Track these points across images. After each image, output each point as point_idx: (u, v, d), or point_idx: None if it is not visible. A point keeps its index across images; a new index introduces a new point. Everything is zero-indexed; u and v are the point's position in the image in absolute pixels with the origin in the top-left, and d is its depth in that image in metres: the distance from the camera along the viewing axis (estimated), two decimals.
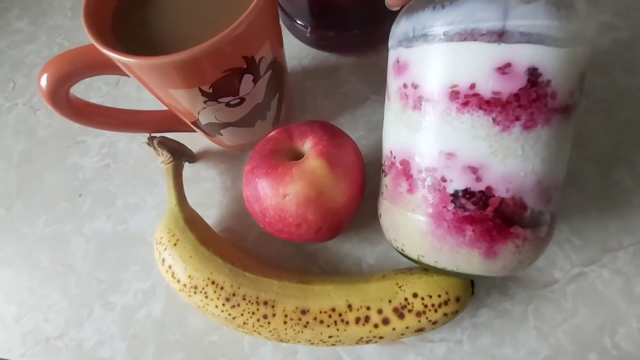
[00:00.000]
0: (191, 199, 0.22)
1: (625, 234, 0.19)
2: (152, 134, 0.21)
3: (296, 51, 0.27)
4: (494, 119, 0.12)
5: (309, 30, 0.25)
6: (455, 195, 0.13)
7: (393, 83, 0.15)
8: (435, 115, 0.13)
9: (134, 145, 0.25)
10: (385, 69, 0.25)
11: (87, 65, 0.15)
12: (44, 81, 0.15)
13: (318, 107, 0.25)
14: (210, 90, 0.15)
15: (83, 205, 0.24)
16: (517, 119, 0.12)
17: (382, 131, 0.17)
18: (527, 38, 0.12)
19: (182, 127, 0.22)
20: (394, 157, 0.15)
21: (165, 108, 0.22)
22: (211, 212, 0.22)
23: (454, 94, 0.13)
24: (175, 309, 0.20)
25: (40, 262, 0.22)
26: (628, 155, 0.21)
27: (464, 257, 0.14)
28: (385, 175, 0.16)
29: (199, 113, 0.17)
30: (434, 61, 0.13)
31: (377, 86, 0.25)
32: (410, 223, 0.14)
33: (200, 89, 0.15)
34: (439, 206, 0.13)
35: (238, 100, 0.17)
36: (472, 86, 0.12)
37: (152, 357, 0.19)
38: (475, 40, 0.12)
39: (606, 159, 0.21)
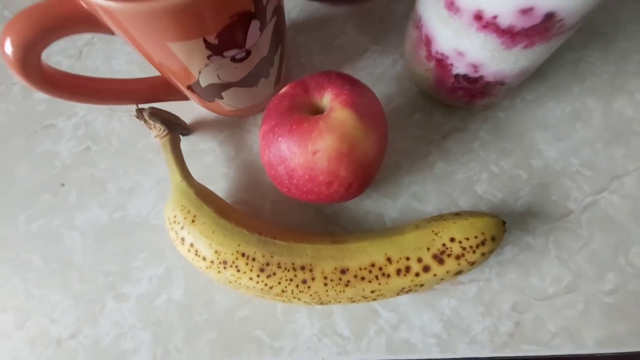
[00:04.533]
0: (193, 175, 0.20)
1: (629, 160, 0.20)
2: (140, 106, 0.19)
3: None
4: (502, 42, 0.14)
5: None
6: (456, 76, 0.17)
7: None
8: (460, 24, 0.15)
9: (115, 123, 0.23)
10: (381, 16, 0.24)
11: (62, 21, 0.13)
12: (8, 47, 0.13)
13: (315, 63, 0.23)
14: (216, 42, 0.13)
15: (69, 195, 0.21)
16: (521, 42, 0.14)
17: None
18: None
19: (174, 95, 0.19)
20: (422, 24, 0.17)
21: (154, 74, 0.19)
22: (217, 185, 0.21)
23: (478, 16, 0.14)
24: (197, 290, 0.19)
25: (31, 263, 0.20)
26: (626, 85, 0.21)
27: (453, 103, 0.20)
28: (414, 29, 0.18)
29: (200, 72, 0.15)
30: None
31: (375, 35, 0.23)
32: (423, 77, 0.19)
33: (204, 40, 0.13)
34: (442, 77, 0.18)
35: (244, 54, 0.15)
36: (495, 17, 0.13)
37: (182, 341, 0.18)
38: None
39: (606, 91, 0.21)
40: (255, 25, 0.14)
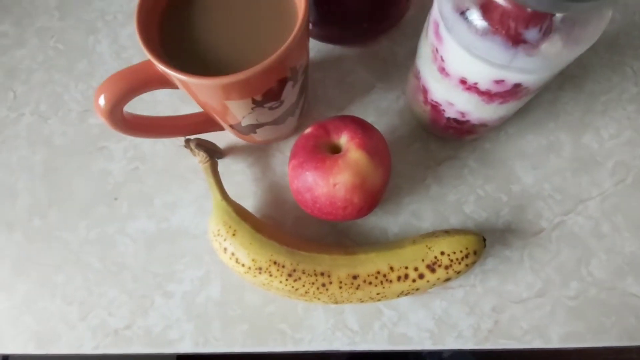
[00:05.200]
0: (227, 193, 0.24)
1: (593, 187, 0.24)
2: (187, 137, 0.23)
3: None
4: (482, 99, 0.18)
5: (310, 25, 0.26)
6: (448, 118, 0.21)
7: (432, 34, 0.18)
8: (449, 84, 0.18)
9: (159, 146, 0.27)
10: (385, 57, 0.28)
11: (144, 83, 0.17)
12: (102, 101, 0.17)
13: (329, 97, 0.27)
14: (260, 99, 0.17)
15: (121, 207, 0.25)
16: (497, 100, 0.18)
17: (419, 40, 0.21)
18: (520, 70, 0.15)
19: (215, 128, 0.23)
20: (420, 77, 0.21)
21: (195, 105, 0.23)
22: (247, 202, 0.25)
23: (463, 81, 0.17)
24: (231, 290, 0.23)
25: (91, 265, 0.24)
26: (593, 123, 0.25)
27: (445, 137, 0.24)
28: (414, 78, 0.22)
29: (243, 117, 0.19)
30: (456, 59, 0.17)
31: (380, 74, 0.27)
32: (421, 116, 0.24)
33: (252, 98, 0.17)
34: (437, 118, 0.22)
35: (279, 103, 0.19)
36: (475, 83, 0.17)
37: (219, 331, 0.22)
38: (486, 62, 0.16)
39: (576, 127, 0.25)
40: (289, 84, 0.18)
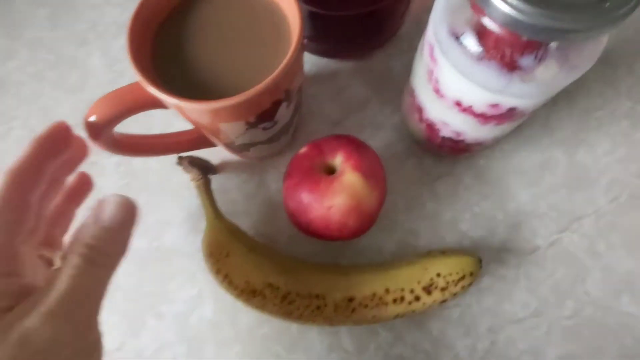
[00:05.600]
0: (220, 210, 0.24)
1: (588, 204, 0.24)
2: (180, 154, 0.22)
3: None
4: (477, 120, 0.18)
5: (305, 40, 0.26)
6: (443, 137, 0.21)
7: (427, 56, 0.18)
8: (444, 105, 0.18)
9: (151, 162, 0.26)
10: (380, 71, 0.28)
11: (134, 106, 0.16)
12: (92, 122, 0.16)
13: (324, 112, 0.27)
14: (254, 120, 0.17)
15: None
16: (493, 121, 0.18)
17: (414, 59, 0.21)
18: (515, 95, 0.15)
19: (208, 145, 0.23)
20: (415, 95, 0.21)
21: (191, 126, 0.23)
22: (241, 219, 0.24)
23: (458, 104, 0.17)
24: (225, 310, 0.22)
25: None
26: (587, 139, 0.25)
27: (439, 153, 0.24)
28: (409, 96, 0.22)
29: (237, 137, 0.19)
30: (451, 82, 0.17)
31: (376, 88, 0.27)
32: (416, 133, 0.23)
33: (246, 121, 0.17)
34: (432, 136, 0.22)
35: (273, 124, 0.19)
36: (470, 106, 0.17)
37: (212, 354, 0.22)
38: (480, 87, 0.16)
39: (571, 143, 0.25)
40: (284, 105, 0.18)
